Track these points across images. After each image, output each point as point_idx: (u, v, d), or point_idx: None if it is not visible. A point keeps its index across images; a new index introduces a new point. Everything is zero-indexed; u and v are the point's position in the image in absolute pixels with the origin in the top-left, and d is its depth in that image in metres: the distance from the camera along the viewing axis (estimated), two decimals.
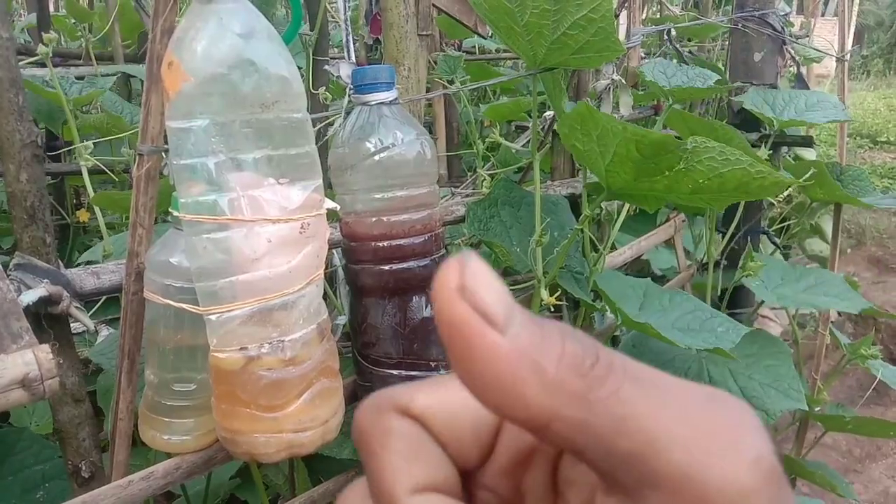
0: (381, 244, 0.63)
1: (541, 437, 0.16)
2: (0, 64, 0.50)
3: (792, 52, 1.33)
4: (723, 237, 1.25)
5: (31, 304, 0.52)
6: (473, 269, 0.16)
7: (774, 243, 1.47)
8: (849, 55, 1.45)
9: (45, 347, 0.45)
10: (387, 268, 0.63)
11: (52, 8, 2.41)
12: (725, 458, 0.15)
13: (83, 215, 1.66)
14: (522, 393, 0.15)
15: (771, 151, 1.23)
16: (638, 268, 1.73)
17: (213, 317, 0.51)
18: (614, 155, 0.70)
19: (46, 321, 0.55)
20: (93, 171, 1.02)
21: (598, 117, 0.68)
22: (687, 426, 0.15)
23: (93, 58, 1.58)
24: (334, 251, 0.81)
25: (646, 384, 0.16)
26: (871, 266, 3.84)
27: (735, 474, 0.14)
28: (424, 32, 0.73)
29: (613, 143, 0.69)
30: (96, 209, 1.02)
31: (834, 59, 1.64)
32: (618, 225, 0.90)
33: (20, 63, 1.17)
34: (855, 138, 5.98)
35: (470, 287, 0.15)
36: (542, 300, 0.78)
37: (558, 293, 0.81)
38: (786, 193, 1.30)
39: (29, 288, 0.52)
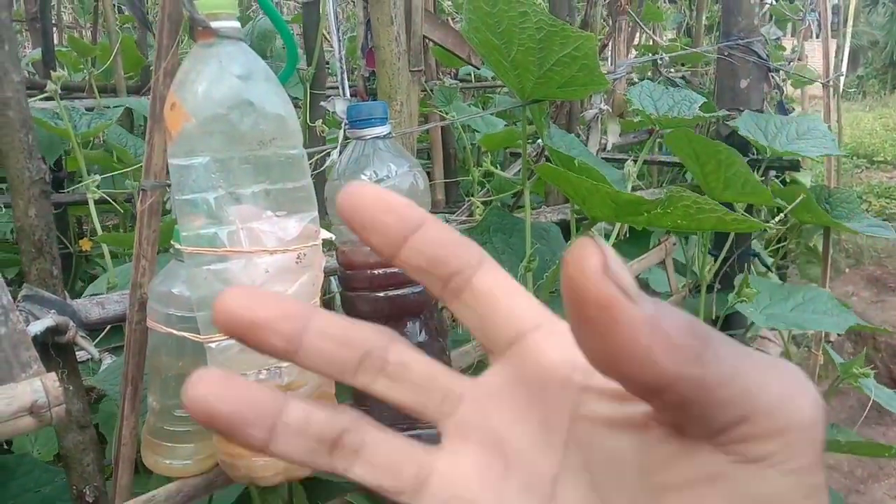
0: (376, 272, 0.65)
1: (657, 398, 0.19)
2: (12, 106, 0.53)
3: (777, 78, 1.36)
4: (715, 260, 1.27)
5: (38, 333, 0.54)
6: (609, 252, 0.18)
7: (766, 265, 1.49)
8: (832, 80, 1.48)
9: (52, 375, 0.47)
10: (382, 294, 0.65)
11: (55, 40, 2.46)
12: (796, 400, 0.19)
13: (85, 244, 1.68)
14: (654, 359, 0.17)
15: (762, 177, 1.26)
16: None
17: (213, 345, 0.53)
18: (595, 203, 0.74)
19: (54, 350, 0.57)
20: (96, 202, 1.05)
21: (570, 178, 0.71)
22: (767, 378, 0.19)
23: (95, 91, 1.61)
24: (331, 278, 0.83)
25: (731, 348, 0.19)
26: (870, 285, 3.85)
27: (805, 410, 0.19)
28: (416, 69, 0.76)
29: (592, 199, 0.73)
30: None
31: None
32: None
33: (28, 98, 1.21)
34: (852, 158, 6.03)
35: (613, 268, 0.17)
36: None
37: None
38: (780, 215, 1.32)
39: (37, 318, 0.54)
